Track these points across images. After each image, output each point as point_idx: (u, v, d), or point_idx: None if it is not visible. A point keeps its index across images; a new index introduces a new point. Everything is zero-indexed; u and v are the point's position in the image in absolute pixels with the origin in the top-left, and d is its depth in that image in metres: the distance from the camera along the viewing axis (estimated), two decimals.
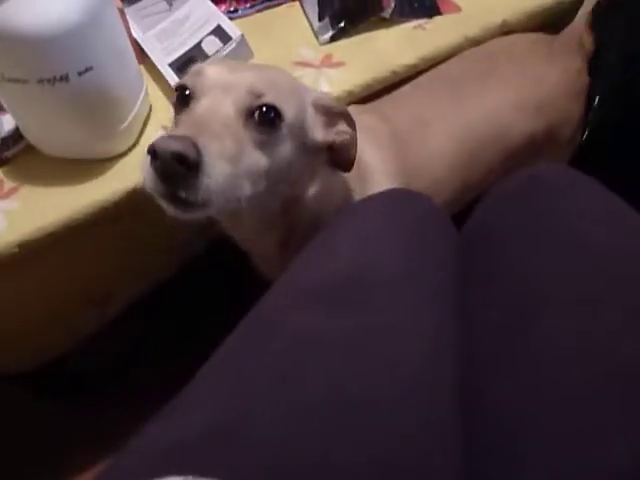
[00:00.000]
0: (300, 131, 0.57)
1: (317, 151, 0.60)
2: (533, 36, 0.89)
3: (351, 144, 0.60)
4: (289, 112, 0.54)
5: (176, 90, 0.55)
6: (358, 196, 0.68)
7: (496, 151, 0.81)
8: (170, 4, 0.83)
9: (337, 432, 0.32)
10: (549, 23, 0.93)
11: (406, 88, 0.84)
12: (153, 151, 0.44)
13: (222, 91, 0.52)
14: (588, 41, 0.88)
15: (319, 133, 0.59)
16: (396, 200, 0.57)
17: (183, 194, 0.46)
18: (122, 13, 0.77)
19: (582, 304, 0.40)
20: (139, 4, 0.85)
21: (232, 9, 0.92)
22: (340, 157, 0.61)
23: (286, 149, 0.55)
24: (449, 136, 0.79)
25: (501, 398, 0.38)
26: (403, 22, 0.90)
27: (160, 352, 1.01)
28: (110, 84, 0.68)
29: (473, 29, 0.88)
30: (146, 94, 0.77)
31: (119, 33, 0.70)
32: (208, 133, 0.47)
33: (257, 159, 0.52)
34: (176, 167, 0.44)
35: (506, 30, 0.90)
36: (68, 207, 0.69)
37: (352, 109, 0.64)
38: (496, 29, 0.89)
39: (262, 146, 0.52)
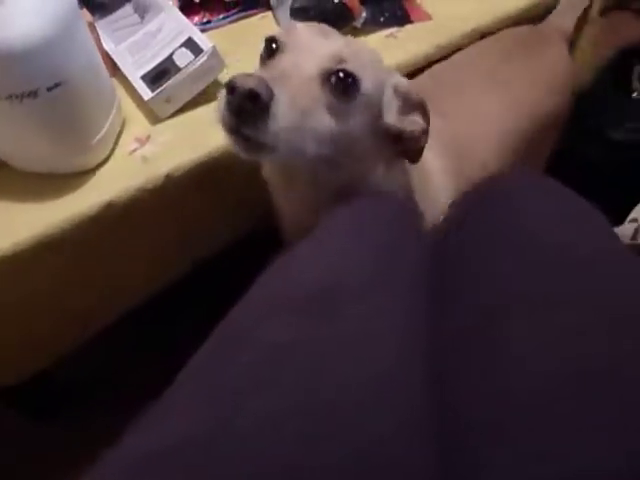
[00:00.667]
0: (375, 108, 0.58)
1: (386, 135, 0.61)
2: (528, 27, 0.94)
3: (421, 137, 0.61)
4: (367, 84, 0.55)
5: (265, 42, 0.58)
6: (417, 195, 0.68)
7: (526, 131, 0.83)
8: (142, 17, 0.83)
9: (316, 437, 0.32)
10: None
11: (427, 79, 0.85)
12: (231, 86, 0.46)
13: (308, 50, 0.54)
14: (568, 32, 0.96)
15: (392, 117, 0.60)
16: (368, 206, 0.57)
17: (248, 131, 0.48)
18: (93, 27, 0.77)
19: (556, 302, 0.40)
20: (110, 17, 0.85)
21: (205, 20, 0.93)
22: (407, 147, 0.62)
23: (357, 120, 0.56)
24: (493, 118, 0.81)
25: (473, 402, 0.38)
26: (375, 31, 0.92)
27: (149, 359, 1.01)
28: (81, 98, 0.67)
29: (443, 37, 0.89)
30: (119, 106, 0.77)
31: (89, 47, 0.69)
32: (285, 82, 0.50)
33: (326, 121, 0.53)
34: (248, 104, 0.47)
35: (476, 37, 0.92)
36: (42, 223, 0.68)
37: None
38: (466, 36, 0.91)
39: (334, 110, 0.54)
